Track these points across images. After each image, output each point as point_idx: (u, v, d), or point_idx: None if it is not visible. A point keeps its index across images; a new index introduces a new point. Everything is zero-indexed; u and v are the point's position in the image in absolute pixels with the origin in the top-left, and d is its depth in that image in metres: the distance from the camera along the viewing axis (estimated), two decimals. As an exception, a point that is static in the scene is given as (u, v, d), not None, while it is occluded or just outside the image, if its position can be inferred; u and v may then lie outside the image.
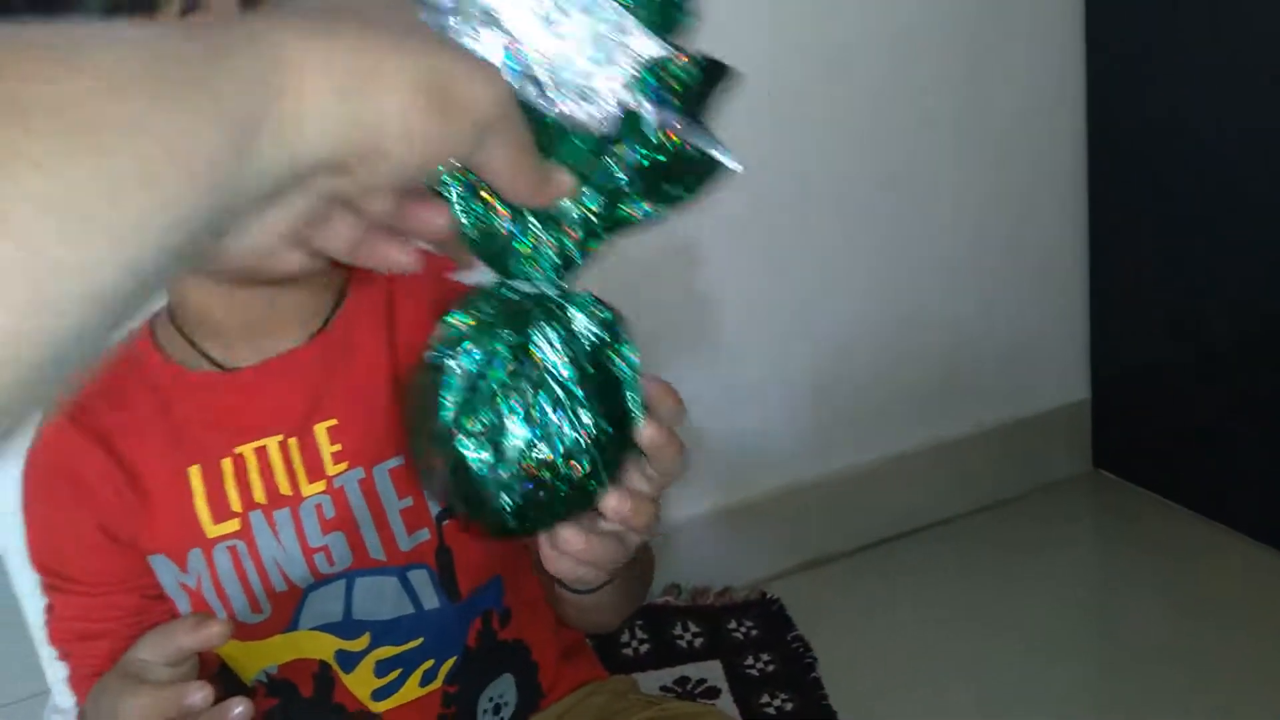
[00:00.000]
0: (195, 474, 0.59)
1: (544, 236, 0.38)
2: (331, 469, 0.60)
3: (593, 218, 0.38)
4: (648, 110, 0.36)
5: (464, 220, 0.37)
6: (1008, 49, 1.20)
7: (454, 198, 0.37)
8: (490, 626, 0.67)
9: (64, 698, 0.72)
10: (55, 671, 0.71)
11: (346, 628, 0.61)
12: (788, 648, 1.07)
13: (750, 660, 1.07)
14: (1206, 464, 1.24)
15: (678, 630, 1.12)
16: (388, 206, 0.35)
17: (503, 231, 0.38)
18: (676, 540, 1.19)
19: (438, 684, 0.64)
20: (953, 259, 1.25)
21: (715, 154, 0.36)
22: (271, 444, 0.59)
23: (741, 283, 1.16)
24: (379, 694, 0.62)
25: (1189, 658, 1.04)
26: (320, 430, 0.60)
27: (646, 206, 0.38)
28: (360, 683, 0.62)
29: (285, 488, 0.59)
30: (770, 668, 1.05)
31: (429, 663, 0.64)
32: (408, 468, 0.61)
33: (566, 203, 0.37)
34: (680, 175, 0.38)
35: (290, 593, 0.60)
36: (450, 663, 0.65)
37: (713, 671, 1.06)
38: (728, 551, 1.23)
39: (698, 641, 1.10)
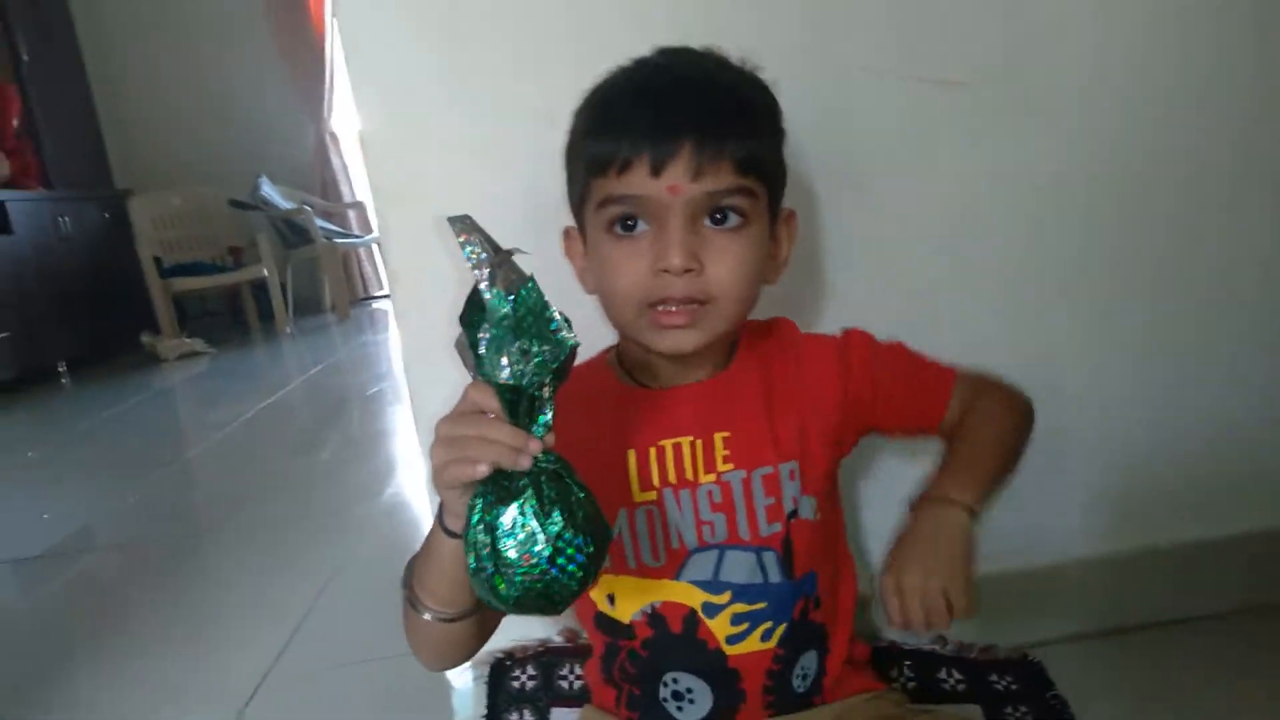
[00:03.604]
0: (631, 456, 0.82)
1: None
2: (721, 466, 0.82)
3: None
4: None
5: None
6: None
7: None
8: (808, 607, 0.86)
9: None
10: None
11: (714, 585, 0.82)
12: (1046, 704, 1.16)
13: (1010, 709, 1.16)
14: None
15: (942, 674, 1.24)
16: None
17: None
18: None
19: (772, 643, 0.84)
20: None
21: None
22: (684, 442, 0.82)
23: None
24: (731, 639, 0.83)
25: None
26: (717, 438, 0.82)
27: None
28: (720, 628, 0.82)
29: (689, 475, 0.82)
30: (1029, 718, 1.14)
31: (768, 624, 0.83)
32: (775, 475, 0.83)
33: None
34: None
35: (680, 550, 0.82)
36: (782, 628, 0.84)
37: (973, 714, 1.16)
38: (994, 615, 1.33)
39: (960, 687, 1.21)
